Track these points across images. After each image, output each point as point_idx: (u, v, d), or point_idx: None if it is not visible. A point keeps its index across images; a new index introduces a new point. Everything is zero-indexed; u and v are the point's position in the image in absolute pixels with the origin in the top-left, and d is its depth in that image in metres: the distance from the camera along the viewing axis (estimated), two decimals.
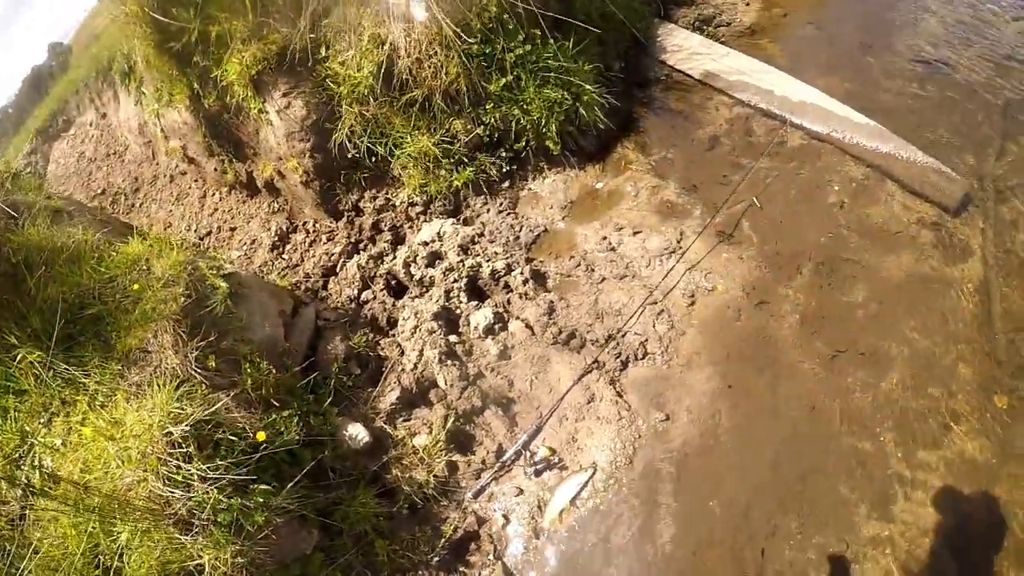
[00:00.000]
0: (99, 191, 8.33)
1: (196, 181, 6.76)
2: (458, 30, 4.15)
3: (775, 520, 3.39)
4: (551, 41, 4.25)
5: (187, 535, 2.65)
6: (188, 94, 5.51)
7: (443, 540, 3.52)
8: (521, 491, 3.68)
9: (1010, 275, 3.99)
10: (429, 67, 4.27)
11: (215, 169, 6.15)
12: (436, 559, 3.48)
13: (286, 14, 4.69)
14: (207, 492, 2.69)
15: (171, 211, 7.04)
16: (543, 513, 3.58)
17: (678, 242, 4.32)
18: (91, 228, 3.82)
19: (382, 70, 4.36)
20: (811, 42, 5.70)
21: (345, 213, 5.02)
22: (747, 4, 6.10)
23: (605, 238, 4.41)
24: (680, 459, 3.62)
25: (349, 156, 4.69)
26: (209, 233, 6.37)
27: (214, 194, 6.44)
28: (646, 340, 4.00)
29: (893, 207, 4.37)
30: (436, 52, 4.23)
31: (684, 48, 5.02)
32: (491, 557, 3.53)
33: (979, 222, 4.22)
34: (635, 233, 4.40)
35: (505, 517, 3.63)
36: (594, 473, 3.59)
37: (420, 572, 3.43)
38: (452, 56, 4.20)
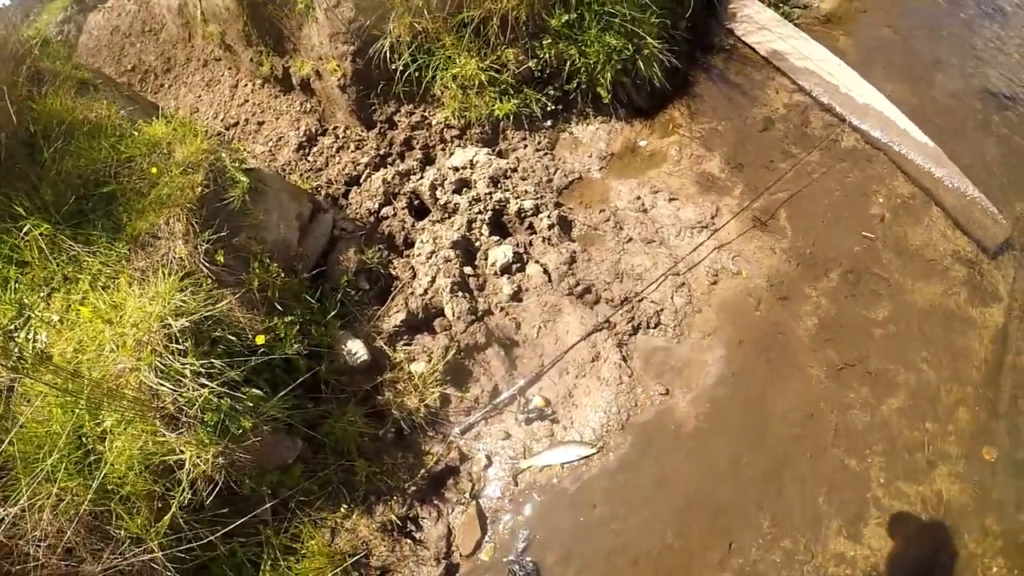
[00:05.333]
0: (129, 67, 8.08)
1: (229, 69, 6.55)
2: None
3: (749, 516, 3.36)
4: None
5: (172, 431, 2.60)
6: None
7: (423, 470, 3.48)
8: (508, 435, 3.63)
9: None
10: None
11: (251, 60, 5.94)
12: (413, 488, 3.44)
13: None
14: (197, 390, 2.62)
15: (200, 96, 6.84)
16: (526, 462, 3.53)
17: (712, 218, 4.18)
18: (116, 104, 3.67)
19: None
20: (885, 45, 5.44)
21: (378, 124, 4.84)
22: None
23: (639, 198, 4.26)
24: (672, 437, 3.56)
25: (392, 67, 4.49)
26: (236, 124, 6.19)
27: (246, 85, 6.24)
28: (662, 310, 3.90)
29: (933, 233, 4.24)
30: None
31: (755, 21, 4.76)
32: (467, 496, 3.50)
33: (1012, 271, 4.12)
34: (671, 199, 4.25)
35: (488, 458, 3.59)
36: (597, 452, 3.51)
37: (395, 497, 3.40)
38: None
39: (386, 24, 4.46)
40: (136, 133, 3.40)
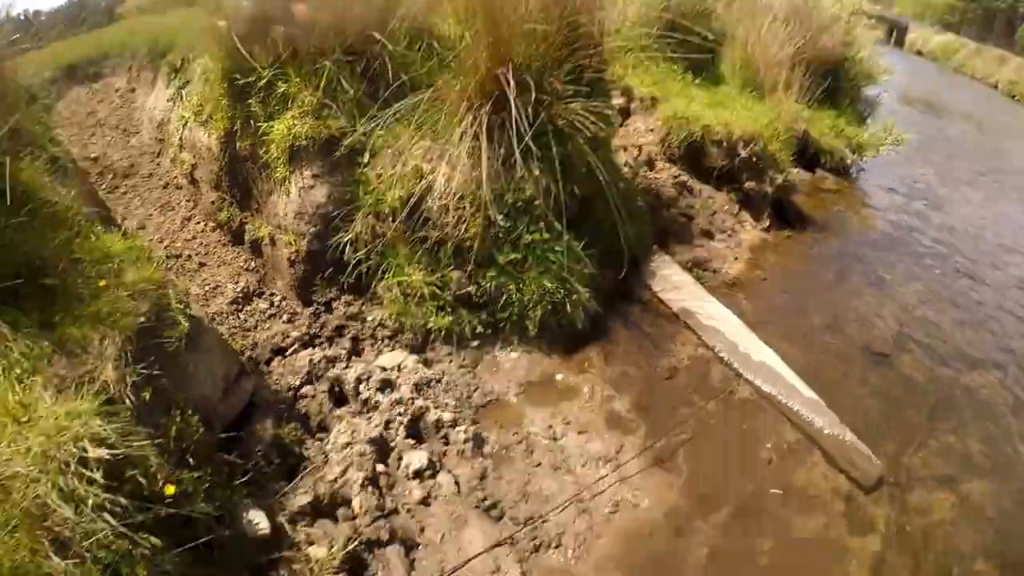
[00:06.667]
0: (92, 156, 8.08)
1: (188, 201, 6.74)
2: (493, 198, 4.48)
3: None
4: (564, 237, 4.61)
5: (58, 555, 2.34)
6: (226, 126, 5.56)
7: None
8: None
9: (903, 555, 4.21)
10: (454, 218, 4.55)
11: (212, 203, 6.16)
12: None
13: (350, 110, 4.94)
14: (97, 523, 2.42)
15: (151, 215, 6.92)
16: None
17: (617, 453, 4.53)
18: (80, 198, 3.67)
19: (411, 200, 4.61)
20: (781, 309, 6.30)
21: (315, 304, 5.06)
22: (735, 259, 6.78)
23: (551, 427, 4.58)
24: None
25: (345, 259, 4.82)
26: (179, 256, 6.23)
27: (199, 223, 6.41)
28: (563, 533, 4.08)
29: (814, 474, 4.67)
30: (465, 208, 4.53)
31: (671, 281, 5.48)
32: None
33: (887, 503, 4.51)
34: (580, 432, 4.59)
35: None
36: None
37: None
38: (477, 218, 4.50)
39: (352, 220, 4.84)
40: (92, 237, 3.40)
